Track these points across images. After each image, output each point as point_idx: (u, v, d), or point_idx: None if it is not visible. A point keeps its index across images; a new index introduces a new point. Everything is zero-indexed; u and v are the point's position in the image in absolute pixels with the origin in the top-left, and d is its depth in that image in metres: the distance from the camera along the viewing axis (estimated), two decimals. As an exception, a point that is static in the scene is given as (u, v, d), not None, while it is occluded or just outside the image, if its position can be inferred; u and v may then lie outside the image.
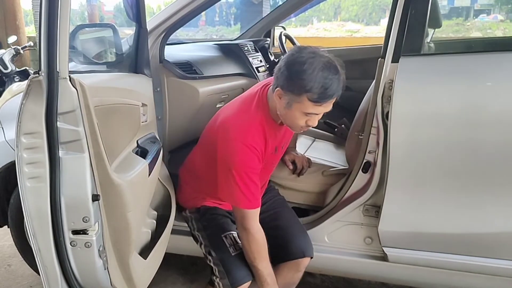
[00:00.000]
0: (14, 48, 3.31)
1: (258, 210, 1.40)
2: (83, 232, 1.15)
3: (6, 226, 2.03)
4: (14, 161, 1.83)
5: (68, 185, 1.10)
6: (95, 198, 1.14)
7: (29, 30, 8.44)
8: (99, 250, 1.18)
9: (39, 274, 2.00)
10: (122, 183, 1.22)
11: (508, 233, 1.44)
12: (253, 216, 1.39)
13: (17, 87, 1.94)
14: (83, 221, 1.13)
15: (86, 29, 1.70)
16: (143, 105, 1.55)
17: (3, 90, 2.24)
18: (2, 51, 3.29)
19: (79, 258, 1.17)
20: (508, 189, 1.41)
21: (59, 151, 1.09)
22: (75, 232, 1.15)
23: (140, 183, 1.36)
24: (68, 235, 1.14)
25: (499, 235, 1.45)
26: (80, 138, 1.10)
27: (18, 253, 2.02)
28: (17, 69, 3.27)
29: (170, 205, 1.68)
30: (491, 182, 1.42)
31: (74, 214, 1.12)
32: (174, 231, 1.73)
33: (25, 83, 1.98)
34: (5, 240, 2.37)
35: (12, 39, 3.72)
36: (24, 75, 3.27)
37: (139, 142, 1.50)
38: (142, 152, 1.48)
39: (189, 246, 1.81)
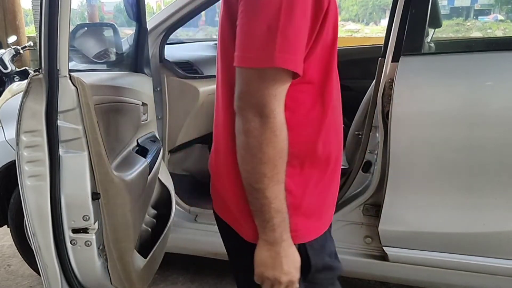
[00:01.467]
0: (14, 48, 3.32)
1: (289, 82, 0.69)
2: (83, 230, 1.15)
3: (6, 226, 2.03)
4: (15, 160, 1.84)
5: (68, 184, 1.10)
6: (95, 196, 1.14)
7: (29, 30, 8.43)
8: (99, 248, 1.18)
9: (39, 274, 2.00)
10: (122, 181, 1.22)
11: (508, 233, 1.44)
12: (283, 90, 0.68)
13: (17, 86, 1.94)
14: (83, 220, 1.13)
15: (87, 28, 1.70)
16: (143, 104, 1.55)
17: (3, 90, 2.24)
18: (2, 51, 3.29)
19: (79, 256, 1.17)
20: (508, 189, 1.41)
21: (59, 150, 1.09)
22: (75, 230, 1.15)
23: (141, 182, 1.36)
24: (68, 234, 1.14)
25: (499, 234, 1.45)
26: (80, 137, 1.10)
27: (18, 253, 2.02)
28: (17, 69, 3.28)
29: (170, 204, 1.69)
30: (491, 181, 1.42)
31: (74, 213, 1.12)
32: (174, 231, 1.72)
33: (25, 82, 1.98)
34: (5, 240, 2.37)
35: (12, 39, 3.73)
36: (24, 75, 3.27)
37: (139, 141, 1.50)
38: (142, 151, 1.48)
39: (189, 245, 1.81)
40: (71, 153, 1.11)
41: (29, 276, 2.07)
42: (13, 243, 2.00)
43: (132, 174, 1.30)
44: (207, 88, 1.92)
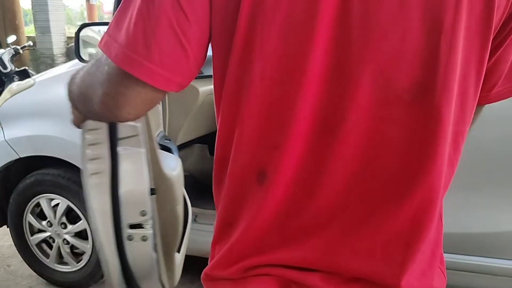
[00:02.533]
0: (13, 48, 3.32)
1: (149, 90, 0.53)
2: (140, 226, 1.16)
3: (5, 226, 2.03)
4: (14, 160, 1.84)
5: (126, 180, 1.11)
6: (153, 192, 1.15)
7: (29, 30, 8.43)
8: (154, 243, 1.19)
9: (38, 274, 2.00)
10: (172, 177, 1.24)
11: (508, 233, 1.44)
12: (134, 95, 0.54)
13: (17, 86, 1.94)
14: (141, 215, 1.14)
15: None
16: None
17: (3, 90, 2.24)
18: (2, 50, 3.29)
19: (135, 251, 1.18)
20: (508, 189, 1.41)
21: (118, 147, 1.10)
22: (132, 226, 1.15)
23: (181, 178, 1.38)
24: (125, 229, 1.15)
25: (499, 234, 1.45)
26: (138, 134, 1.11)
27: (18, 253, 2.02)
28: (17, 69, 3.28)
29: (186, 204, 1.70)
30: (491, 181, 1.42)
31: (132, 209, 1.13)
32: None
33: (25, 82, 1.99)
34: (4, 240, 2.37)
35: (11, 38, 3.73)
36: (23, 75, 3.27)
37: (158, 139, 1.51)
38: (164, 148, 1.49)
39: (189, 245, 1.80)
40: (129, 150, 1.12)
41: (28, 276, 2.06)
42: (13, 243, 2.00)
43: (176, 170, 1.31)
44: (207, 88, 1.92)
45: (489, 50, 0.53)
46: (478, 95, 0.57)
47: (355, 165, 0.54)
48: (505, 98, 0.65)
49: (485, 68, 0.54)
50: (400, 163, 0.54)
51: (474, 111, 0.59)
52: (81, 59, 1.54)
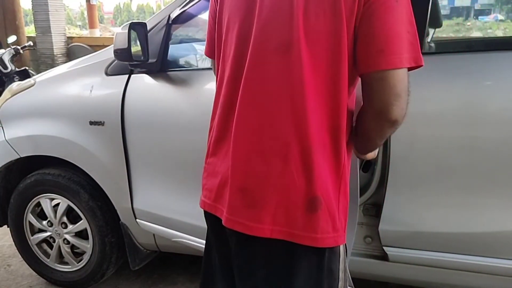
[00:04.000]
0: (13, 48, 3.33)
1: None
2: None
3: (6, 226, 2.03)
4: (14, 160, 1.84)
5: None
6: None
7: (29, 30, 8.44)
8: None
9: (39, 274, 2.00)
10: None
11: (508, 233, 1.44)
12: None
13: (17, 86, 1.94)
14: None
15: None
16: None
17: (3, 90, 2.24)
18: (2, 51, 3.30)
19: None
20: (508, 189, 1.41)
21: None
22: None
23: None
24: None
25: (499, 234, 1.45)
26: None
27: (18, 253, 2.03)
28: (17, 69, 3.28)
29: None
30: (491, 181, 1.41)
31: None
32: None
33: (25, 82, 1.98)
34: (5, 240, 2.37)
35: (11, 39, 3.74)
36: (23, 75, 3.27)
37: None
38: None
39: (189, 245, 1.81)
40: None
41: (29, 276, 2.07)
42: (13, 243, 2.01)
43: None
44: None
45: (344, 25, 0.77)
46: (344, 60, 0.80)
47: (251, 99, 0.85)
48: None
49: (345, 39, 0.78)
50: (279, 96, 0.82)
51: (338, 67, 0.81)
52: (131, 59, 1.46)
